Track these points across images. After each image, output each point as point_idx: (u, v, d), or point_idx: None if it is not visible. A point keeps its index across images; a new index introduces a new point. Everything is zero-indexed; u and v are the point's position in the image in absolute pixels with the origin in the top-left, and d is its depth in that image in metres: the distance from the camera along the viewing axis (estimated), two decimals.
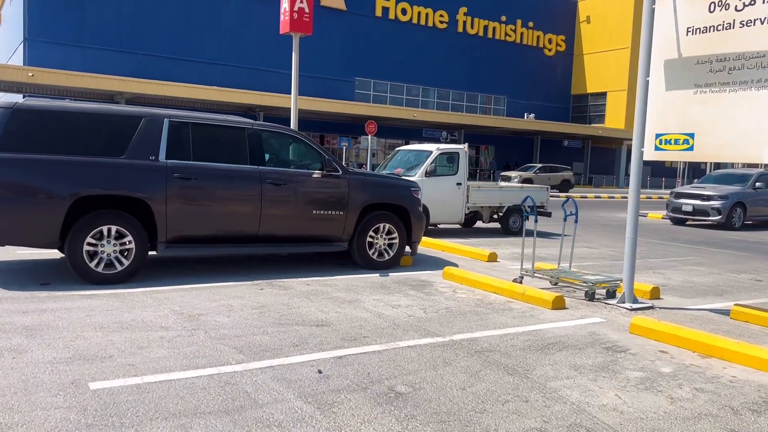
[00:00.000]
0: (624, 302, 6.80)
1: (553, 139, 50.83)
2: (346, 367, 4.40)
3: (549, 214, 13.93)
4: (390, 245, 8.44)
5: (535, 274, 7.72)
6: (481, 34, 49.17)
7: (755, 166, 24.92)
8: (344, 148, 30.73)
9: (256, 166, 7.47)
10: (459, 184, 12.47)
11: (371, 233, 8.24)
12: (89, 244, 6.58)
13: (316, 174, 7.84)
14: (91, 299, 6.01)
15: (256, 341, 4.91)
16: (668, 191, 46.64)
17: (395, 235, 8.41)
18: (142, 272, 7.18)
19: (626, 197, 33.46)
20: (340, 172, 7.99)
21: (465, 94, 49.43)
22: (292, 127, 14.84)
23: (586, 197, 31.98)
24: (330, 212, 7.87)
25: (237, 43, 39.03)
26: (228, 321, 5.46)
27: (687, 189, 18.30)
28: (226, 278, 7.30)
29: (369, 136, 25.53)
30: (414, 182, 9.01)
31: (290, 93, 14.98)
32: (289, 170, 7.87)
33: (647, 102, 6.60)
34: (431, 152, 12.36)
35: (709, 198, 17.41)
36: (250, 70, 39.41)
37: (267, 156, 7.86)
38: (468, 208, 12.71)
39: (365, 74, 44.64)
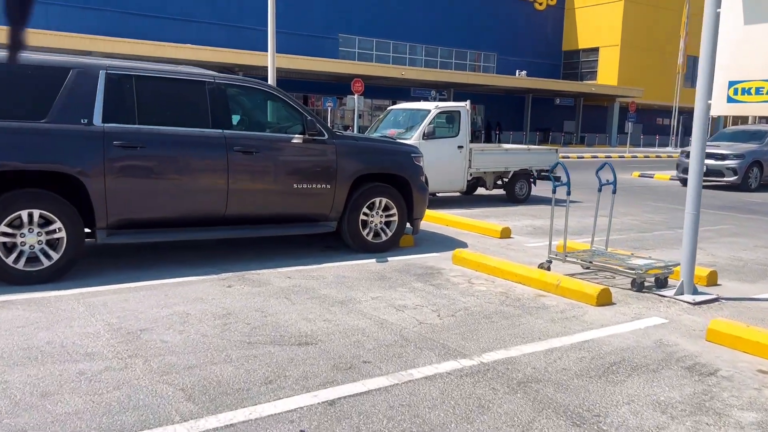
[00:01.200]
0: (683, 293, 5.49)
1: (544, 98, 49.21)
2: (341, 422, 3.03)
3: (554, 180, 12.57)
4: (387, 224, 7.03)
5: (567, 257, 6.36)
6: None
7: None
8: (329, 108, 28.96)
9: (221, 130, 5.97)
10: (461, 147, 11.02)
11: (365, 210, 6.81)
12: (4, 234, 5.10)
13: (297, 139, 6.35)
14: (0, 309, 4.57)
15: (213, 376, 3.52)
16: (663, 149, 45.62)
17: (394, 211, 7.00)
18: (77, 267, 5.72)
19: (624, 156, 32.26)
20: (326, 136, 6.51)
21: (454, 51, 47.46)
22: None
23: (583, 157, 30.64)
24: (314, 185, 6.42)
25: None
26: (179, 340, 4.06)
27: None
28: (184, 272, 5.86)
29: (355, 96, 23.85)
30: (414, 147, 7.55)
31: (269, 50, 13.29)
32: (262, 134, 6.38)
33: (717, 41, 5.15)
34: (429, 111, 10.86)
35: (724, 157, 16.13)
36: (228, 27, 37.20)
37: (235, 117, 6.36)
38: (470, 174, 11.30)
39: (349, 31, 42.52)
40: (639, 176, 19.86)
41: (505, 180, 12.10)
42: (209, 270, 5.95)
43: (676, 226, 9.85)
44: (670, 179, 18.80)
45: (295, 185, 6.31)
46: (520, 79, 43.53)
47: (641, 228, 9.60)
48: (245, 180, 6.05)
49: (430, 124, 10.66)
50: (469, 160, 11.16)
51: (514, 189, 12.01)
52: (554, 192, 6.65)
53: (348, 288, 5.50)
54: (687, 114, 53.37)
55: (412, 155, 7.18)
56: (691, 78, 51.99)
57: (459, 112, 11.07)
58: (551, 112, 51.09)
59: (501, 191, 12.51)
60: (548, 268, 6.21)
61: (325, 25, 41.18)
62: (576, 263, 6.40)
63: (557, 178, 6.69)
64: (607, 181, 6.68)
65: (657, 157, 33.88)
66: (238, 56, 31.29)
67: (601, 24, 50.48)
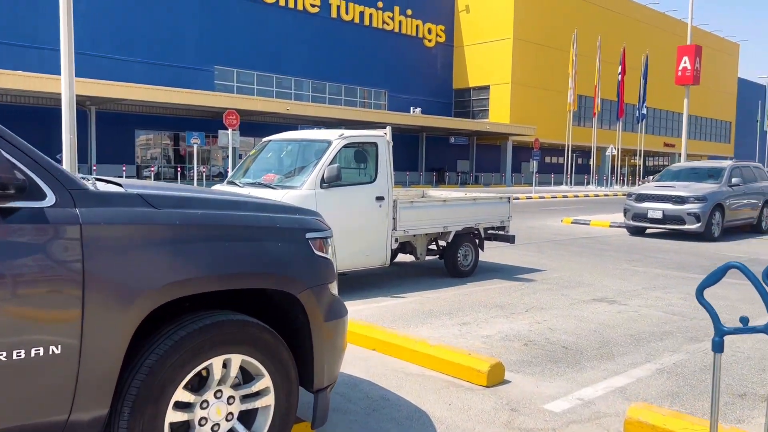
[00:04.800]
0: None
1: (438, 136, 46.99)
2: None
3: (511, 239, 8.87)
4: (247, 419, 2.74)
5: None
6: (357, 20, 44.19)
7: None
8: (195, 147, 24.11)
9: None
10: (380, 198, 7.00)
11: (182, 394, 2.49)
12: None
13: None
14: None
15: None
16: (558, 188, 44.45)
17: (264, 383, 2.72)
18: None
19: (532, 197, 29.74)
20: (49, 198, 2.19)
21: (343, 87, 44.19)
22: (66, 123, 8.59)
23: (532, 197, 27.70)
24: (10, 341, 2.06)
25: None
26: None
27: (651, 189, 14.11)
28: None
29: (229, 131, 19.37)
30: (314, 216, 3.29)
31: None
32: None
33: None
34: (329, 144, 6.77)
35: (683, 200, 13.29)
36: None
37: None
38: (396, 240, 7.28)
39: (227, 63, 38.03)
40: (572, 223, 16.85)
41: (443, 244, 8.21)
42: None
43: (698, 316, 6.31)
44: (611, 226, 15.89)
45: None
46: (414, 117, 40.88)
47: (692, 331, 5.95)
48: None
49: (331, 163, 6.57)
50: (394, 219, 7.16)
51: (457, 257, 8.11)
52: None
53: None
54: (579, 152, 53.36)
55: (309, 234, 2.96)
56: (581, 117, 52.06)
57: (375, 145, 7.09)
58: (445, 151, 48.97)
59: (434, 257, 8.61)
60: None
61: (198, 56, 36.47)
62: None
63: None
64: None
65: (564, 197, 31.88)
66: (26, 81, 24.87)
67: (490, 62, 49.43)
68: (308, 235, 2.90)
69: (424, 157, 46.13)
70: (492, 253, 10.14)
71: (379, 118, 38.38)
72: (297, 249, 2.81)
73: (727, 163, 14.69)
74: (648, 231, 14.56)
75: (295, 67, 41.11)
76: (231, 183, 7.06)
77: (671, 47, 60.48)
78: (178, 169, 33.19)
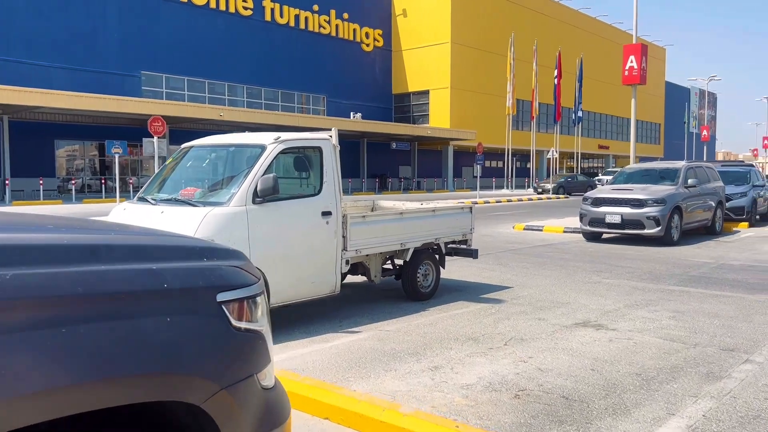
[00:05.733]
0: None
1: (379, 142, 46.08)
2: None
3: (473, 253, 7.89)
4: None
5: None
6: (292, 24, 42.82)
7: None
8: (116, 157, 22.18)
9: None
10: (327, 213, 5.85)
11: None
12: None
13: None
14: None
15: None
16: (500, 192, 44.23)
17: None
18: None
19: (477, 203, 29.07)
20: None
21: (280, 93, 42.70)
22: None
23: (464, 203, 26.87)
24: None
25: None
26: None
27: (608, 193, 13.48)
28: None
29: (154, 139, 17.73)
30: (233, 261, 2.09)
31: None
32: None
33: None
34: (263, 149, 5.57)
35: (641, 203, 12.71)
36: None
37: None
38: (346, 262, 6.13)
39: (155, 68, 35.96)
40: (524, 229, 16.12)
41: (400, 263, 7.12)
42: None
43: (723, 339, 5.47)
44: (565, 232, 15.23)
45: None
46: (355, 122, 39.85)
47: (702, 363, 5.05)
48: None
49: (266, 172, 5.37)
50: (344, 237, 6.02)
51: (416, 278, 7.04)
52: None
53: None
54: (518, 156, 53.56)
55: (222, 294, 1.79)
56: (520, 121, 52.28)
57: (319, 149, 5.93)
58: (387, 156, 48.14)
59: (390, 277, 7.51)
60: None
61: (123, 60, 34.27)
62: None
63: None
64: None
65: (508, 201, 31.46)
66: None
67: (429, 66, 48.97)
68: (221, 297, 1.74)
69: (366, 164, 45.14)
70: (448, 267, 9.12)
71: (318, 124, 37.11)
72: (200, 324, 1.65)
73: (681, 164, 14.25)
74: (604, 236, 13.95)
75: (229, 72, 39.38)
76: (142, 200, 5.76)
77: (604, 52, 61.85)
78: (103, 181, 30.89)
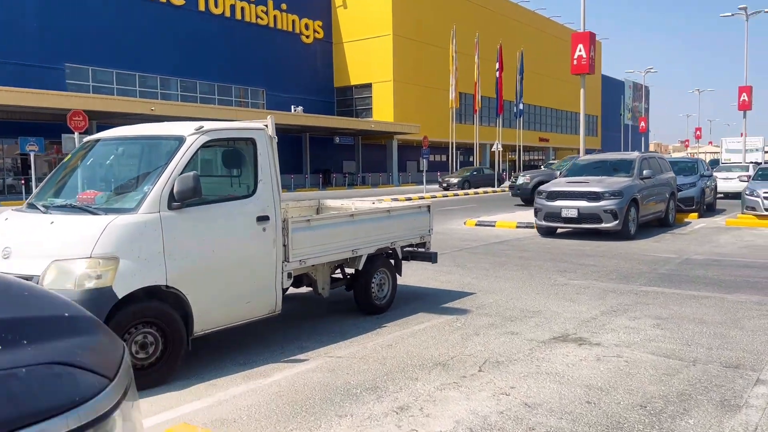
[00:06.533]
0: None
1: (323, 137, 44.93)
2: None
3: (432, 257, 7.06)
4: None
5: None
6: (228, 14, 41.04)
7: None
8: (32, 154, 20.34)
9: None
10: (263, 218, 4.86)
11: None
12: None
13: None
14: None
15: None
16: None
17: None
18: None
19: (424, 197, 28.22)
20: None
21: (216, 86, 40.89)
22: None
23: (399, 199, 26.09)
24: None
25: None
26: None
27: (563, 186, 12.93)
28: None
29: (75, 135, 16.15)
30: (78, 337, 1.13)
31: None
32: None
33: None
34: (181, 141, 4.53)
35: (598, 196, 12.20)
36: None
37: None
38: (289, 275, 5.16)
39: (80, 60, 33.65)
40: (476, 225, 15.47)
41: (351, 273, 6.21)
42: None
43: (721, 352, 4.81)
44: (518, 227, 14.65)
45: None
46: (296, 116, 38.55)
47: (709, 387, 4.35)
48: None
49: (185, 170, 4.35)
50: (285, 246, 5.05)
51: (370, 288, 6.14)
52: None
53: None
54: (462, 149, 53.36)
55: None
56: (464, 114, 52.07)
57: (252, 142, 4.93)
58: (330, 151, 47.02)
59: (340, 288, 6.58)
60: None
61: (44, 52, 31.86)
62: None
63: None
64: None
65: (455, 195, 30.95)
66: None
67: (371, 59, 48.06)
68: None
69: (309, 159, 43.92)
70: (403, 269, 8.26)
71: (257, 117, 35.20)
72: None
73: (635, 155, 13.87)
74: (559, 231, 13.41)
75: (161, 65, 37.34)
76: (31, 206, 4.63)
77: (544, 45, 62.44)
78: (23, 181, 28.61)
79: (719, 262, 9.38)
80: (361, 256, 5.91)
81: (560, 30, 65.63)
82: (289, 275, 5.12)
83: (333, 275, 6.31)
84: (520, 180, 22.38)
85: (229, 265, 4.59)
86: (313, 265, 5.52)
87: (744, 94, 32.36)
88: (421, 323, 5.87)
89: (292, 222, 5.10)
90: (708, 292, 7.17)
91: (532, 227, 13.85)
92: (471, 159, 51.91)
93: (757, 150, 38.70)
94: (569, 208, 12.36)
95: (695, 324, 5.76)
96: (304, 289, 6.54)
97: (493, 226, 15.16)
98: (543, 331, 5.54)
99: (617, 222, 11.98)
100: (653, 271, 8.65)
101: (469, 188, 36.25)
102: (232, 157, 4.93)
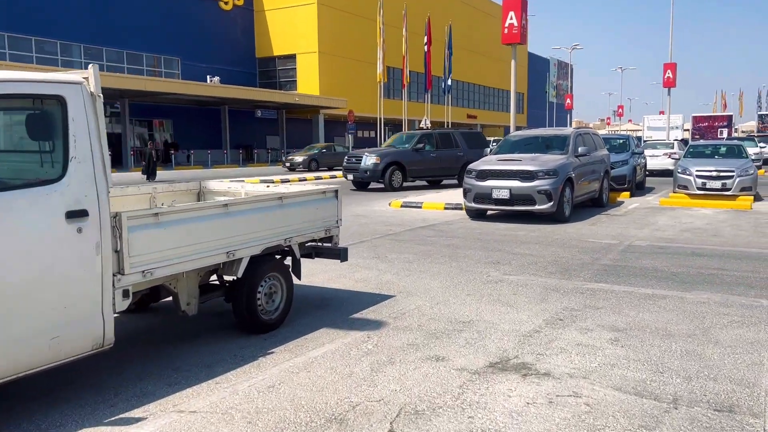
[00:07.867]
0: None
1: (244, 110, 42.51)
2: None
3: (341, 253, 5.67)
4: None
5: None
6: None
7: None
8: None
9: None
10: (77, 213, 3.31)
11: None
12: None
13: None
14: None
15: None
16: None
17: None
18: None
19: (276, 181, 26.05)
20: None
21: (125, 54, 37.69)
22: None
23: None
24: None
25: None
26: None
27: (494, 164, 11.81)
28: None
29: None
30: None
31: None
32: None
33: None
34: None
35: (532, 176, 11.16)
36: None
37: None
38: (127, 293, 3.65)
39: None
40: (402, 206, 14.21)
41: (228, 282, 4.75)
42: None
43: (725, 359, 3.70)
44: (446, 208, 13.49)
45: None
46: (213, 87, 36.08)
47: None
48: None
49: None
50: (118, 252, 3.53)
51: (255, 301, 4.69)
52: None
53: None
54: (391, 125, 52.07)
55: None
56: (392, 89, 50.71)
57: (61, 101, 3.35)
58: (252, 126, 44.63)
59: (215, 303, 5.10)
60: None
61: None
62: None
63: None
64: None
65: (300, 180, 29.56)
66: None
67: (295, 29, 45.75)
68: None
69: (228, 133, 41.44)
70: (309, 264, 6.84)
71: (170, 89, 33.04)
72: None
73: (569, 131, 12.94)
74: (489, 212, 12.33)
75: (62, 29, 33.87)
76: None
77: (472, 20, 61.70)
78: None
79: (665, 249, 8.48)
80: (240, 260, 4.45)
81: (488, 5, 65.07)
82: (126, 293, 3.61)
83: (209, 281, 4.84)
84: (368, 161, 18.73)
85: (16, 286, 3.05)
86: (168, 275, 4.02)
87: (669, 71, 32.53)
88: (321, 346, 4.50)
89: (128, 218, 3.57)
90: (663, 290, 6.15)
91: (461, 209, 12.73)
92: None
93: (677, 128, 39.36)
94: (500, 188, 11.26)
95: (661, 338, 4.66)
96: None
97: (420, 207, 13.95)
98: (476, 354, 4.30)
99: (551, 204, 10.99)
100: (595, 262, 7.62)
101: (317, 169, 31.82)
102: (31, 125, 3.34)
